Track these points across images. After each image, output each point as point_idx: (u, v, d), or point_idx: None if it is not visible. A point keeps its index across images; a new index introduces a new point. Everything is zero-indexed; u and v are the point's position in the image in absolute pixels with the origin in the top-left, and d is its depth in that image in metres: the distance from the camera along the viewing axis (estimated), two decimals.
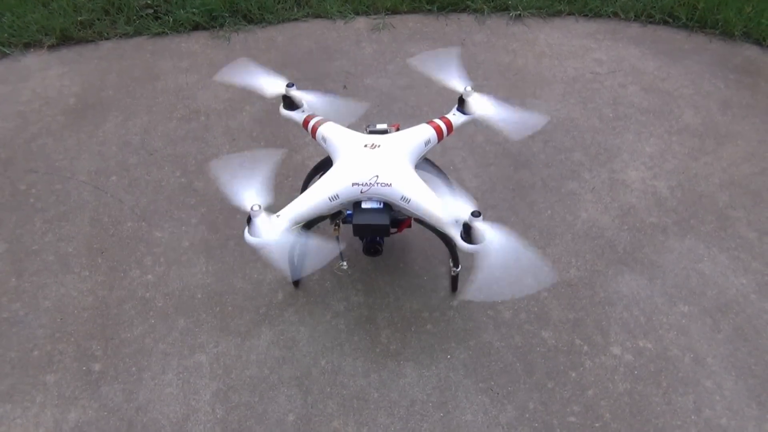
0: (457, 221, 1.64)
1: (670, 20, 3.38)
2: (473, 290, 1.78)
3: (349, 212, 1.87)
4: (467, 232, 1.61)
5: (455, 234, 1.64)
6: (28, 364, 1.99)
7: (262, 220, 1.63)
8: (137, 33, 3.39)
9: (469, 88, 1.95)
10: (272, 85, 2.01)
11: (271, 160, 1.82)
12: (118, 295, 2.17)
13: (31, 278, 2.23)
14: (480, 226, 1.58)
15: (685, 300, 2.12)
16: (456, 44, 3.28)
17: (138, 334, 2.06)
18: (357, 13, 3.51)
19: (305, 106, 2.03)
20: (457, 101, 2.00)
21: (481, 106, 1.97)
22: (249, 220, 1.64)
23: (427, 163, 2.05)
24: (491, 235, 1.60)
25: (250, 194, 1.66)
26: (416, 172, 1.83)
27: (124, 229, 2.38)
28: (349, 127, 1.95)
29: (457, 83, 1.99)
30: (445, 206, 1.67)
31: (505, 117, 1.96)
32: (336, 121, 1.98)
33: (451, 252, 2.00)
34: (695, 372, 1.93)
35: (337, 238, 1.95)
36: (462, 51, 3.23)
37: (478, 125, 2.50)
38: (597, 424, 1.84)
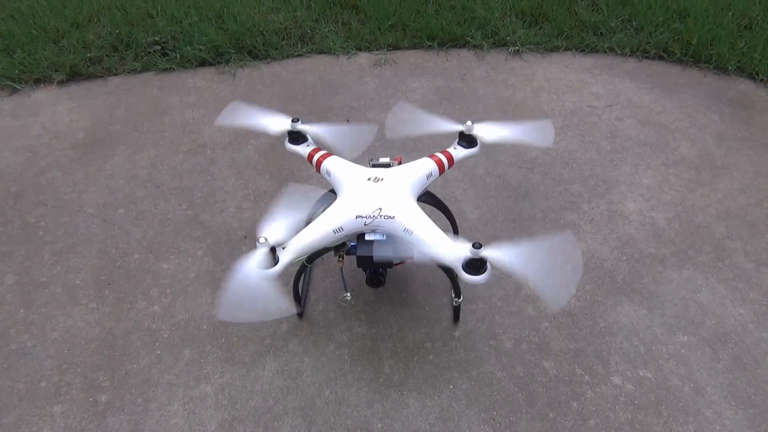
0: (461, 258, 1.68)
1: (665, 55, 3.46)
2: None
3: (352, 244, 1.91)
4: (469, 265, 1.65)
5: (457, 265, 1.67)
6: (36, 395, 2.01)
7: (261, 253, 1.67)
8: (145, 69, 3.48)
9: (469, 123, 2.00)
10: (277, 122, 2.07)
11: (311, 200, 1.87)
12: (125, 327, 2.20)
13: (39, 310, 2.26)
14: (487, 253, 1.62)
15: (684, 330, 2.15)
16: (457, 79, 3.35)
17: (144, 365, 2.08)
18: (359, 49, 3.60)
19: (310, 140, 2.09)
20: (457, 135, 2.05)
21: (488, 132, 2.02)
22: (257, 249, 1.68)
23: (428, 197, 2.09)
24: (498, 253, 1.64)
25: (275, 227, 1.72)
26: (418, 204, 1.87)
27: (131, 261, 2.42)
28: (353, 160, 2.00)
29: (452, 124, 2.06)
30: (447, 249, 1.71)
31: (519, 131, 2.04)
32: (350, 148, 2.04)
33: (452, 283, 2.03)
34: (695, 402, 1.95)
35: (341, 270, 1.99)
36: (462, 85, 3.30)
37: (477, 158, 2.55)
38: None
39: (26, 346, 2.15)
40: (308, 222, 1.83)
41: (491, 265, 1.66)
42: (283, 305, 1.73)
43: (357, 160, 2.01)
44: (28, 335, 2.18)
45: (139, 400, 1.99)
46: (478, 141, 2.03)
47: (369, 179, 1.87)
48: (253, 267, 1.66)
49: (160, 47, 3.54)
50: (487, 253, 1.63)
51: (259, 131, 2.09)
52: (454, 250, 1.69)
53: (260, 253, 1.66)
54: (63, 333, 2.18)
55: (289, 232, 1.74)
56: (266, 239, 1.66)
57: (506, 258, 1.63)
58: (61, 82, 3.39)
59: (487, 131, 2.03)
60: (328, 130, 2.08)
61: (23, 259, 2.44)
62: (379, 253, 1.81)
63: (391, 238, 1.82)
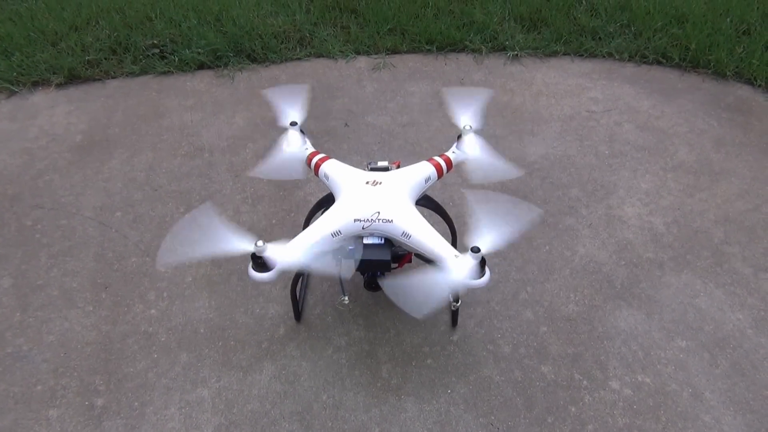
0: (456, 257, 1.67)
1: (664, 60, 3.47)
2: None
3: (351, 248, 1.90)
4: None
5: (468, 279, 1.66)
6: (31, 399, 2.00)
7: (272, 251, 1.67)
8: (143, 72, 3.47)
9: (468, 126, 2.00)
10: (292, 140, 2.07)
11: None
12: (122, 330, 2.19)
13: (35, 313, 2.25)
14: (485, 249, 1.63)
15: (683, 335, 2.14)
16: (455, 83, 3.36)
17: (141, 369, 2.07)
18: (358, 53, 3.60)
19: (308, 143, 2.08)
20: (456, 139, 2.05)
21: (471, 146, 2.02)
22: (253, 257, 1.68)
23: (427, 200, 2.09)
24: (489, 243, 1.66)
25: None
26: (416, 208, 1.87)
27: (128, 264, 2.41)
28: (350, 164, 2.00)
29: (465, 120, 2.05)
30: (445, 245, 1.71)
31: (482, 162, 2.03)
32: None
33: None
34: (694, 407, 1.95)
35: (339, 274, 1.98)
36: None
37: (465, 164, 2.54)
38: None
39: (22, 349, 2.14)
40: (306, 225, 1.83)
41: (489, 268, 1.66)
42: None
43: (355, 164, 2.01)
44: (24, 338, 2.17)
45: (136, 404, 1.98)
46: (464, 147, 2.03)
47: (367, 183, 1.87)
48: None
49: (158, 50, 3.54)
50: (484, 249, 1.63)
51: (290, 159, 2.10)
52: (460, 267, 1.66)
53: (272, 251, 1.69)
54: (59, 336, 2.18)
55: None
56: (263, 243, 1.66)
57: (495, 239, 1.65)
58: (59, 85, 3.38)
59: (471, 145, 2.03)
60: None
61: (20, 262, 2.43)
62: (377, 257, 1.81)
63: (389, 242, 1.82)
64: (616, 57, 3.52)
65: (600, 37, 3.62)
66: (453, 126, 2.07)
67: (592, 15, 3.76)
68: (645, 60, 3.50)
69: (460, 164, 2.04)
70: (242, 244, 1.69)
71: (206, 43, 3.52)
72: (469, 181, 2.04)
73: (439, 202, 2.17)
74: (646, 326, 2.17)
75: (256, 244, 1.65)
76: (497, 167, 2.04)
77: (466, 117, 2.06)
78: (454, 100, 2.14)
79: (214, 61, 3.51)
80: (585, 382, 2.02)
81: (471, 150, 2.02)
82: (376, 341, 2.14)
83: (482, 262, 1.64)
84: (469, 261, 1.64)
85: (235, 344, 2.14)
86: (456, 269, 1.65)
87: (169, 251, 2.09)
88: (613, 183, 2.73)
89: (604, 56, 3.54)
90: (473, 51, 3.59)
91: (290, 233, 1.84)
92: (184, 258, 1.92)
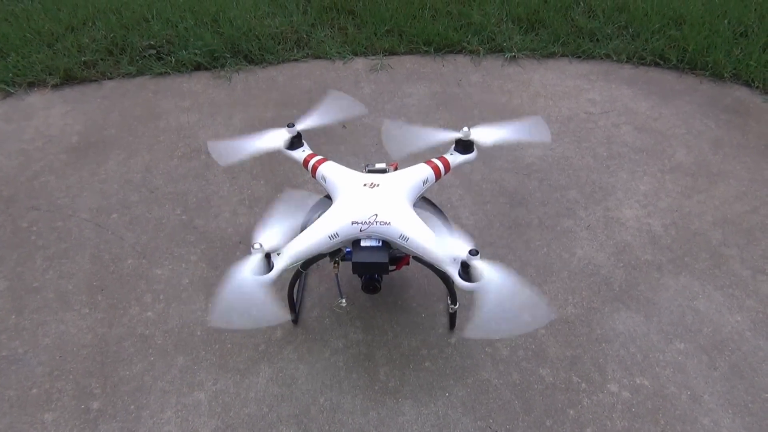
0: (455, 260, 1.67)
1: (661, 62, 3.47)
2: (472, 328, 1.78)
3: (348, 250, 1.89)
4: (465, 271, 1.64)
5: (453, 272, 1.66)
6: (27, 403, 1.98)
7: (256, 260, 1.65)
8: (140, 73, 3.46)
9: (466, 129, 1.99)
10: (272, 137, 2.05)
11: (307, 206, 1.91)
12: (118, 333, 2.18)
13: (31, 316, 2.23)
14: (478, 264, 1.61)
15: (681, 337, 2.14)
16: (453, 84, 3.35)
17: (137, 372, 2.06)
18: (356, 54, 3.59)
19: (305, 145, 2.08)
20: (454, 141, 2.04)
21: (486, 135, 2.02)
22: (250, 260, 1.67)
23: (424, 202, 2.08)
24: (489, 273, 1.62)
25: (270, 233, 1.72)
26: (414, 210, 1.86)
27: (124, 266, 2.40)
28: (348, 166, 1.99)
29: (448, 133, 2.05)
30: (443, 245, 1.70)
31: (514, 131, 2.03)
32: (351, 115, 2.11)
33: (448, 289, 2.02)
34: (692, 410, 1.94)
35: (336, 276, 1.97)
36: (458, 91, 3.30)
37: (474, 164, 2.54)
38: None
39: (17, 352, 2.13)
40: (303, 228, 1.82)
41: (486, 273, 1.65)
42: (277, 312, 1.70)
43: (353, 166, 2.00)
44: (20, 341, 2.16)
45: (132, 407, 1.97)
46: (475, 146, 2.02)
47: (365, 185, 1.86)
48: (247, 273, 1.64)
49: (155, 51, 3.53)
50: (479, 264, 1.62)
51: (261, 153, 2.06)
52: (450, 248, 1.67)
53: (255, 259, 1.65)
54: (55, 339, 2.16)
55: (285, 238, 1.73)
56: (261, 245, 1.65)
57: (495, 280, 1.62)
58: (55, 86, 3.37)
59: (484, 135, 2.02)
60: (320, 116, 2.12)
61: (15, 264, 2.41)
62: (375, 260, 1.80)
63: (386, 244, 1.81)
64: (614, 58, 3.51)
65: (598, 39, 3.61)
66: (451, 128, 2.06)
67: (589, 16, 3.76)
68: (643, 61, 3.49)
69: (460, 165, 2.04)
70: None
71: (203, 44, 3.51)
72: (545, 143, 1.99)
73: (437, 204, 2.16)
74: (644, 329, 2.17)
75: (253, 246, 1.64)
76: (527, 126, 2.07)
77: (443, 133, 2.07)
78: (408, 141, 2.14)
79: (211, 62, 3.50)
80: (583, 385, 2.01)
81: (486, 138, 2.02)
82: (373, 344, 2.13)
83: (467, 267, 1.64)
84: (461, 249, 1.64)
85: (231, 347, 2.13)
86: (447, 248, 1.67)
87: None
88: (611, 185, 2.73)
89: (601, 58, 3.53)
90: (471, 52, 3.59)
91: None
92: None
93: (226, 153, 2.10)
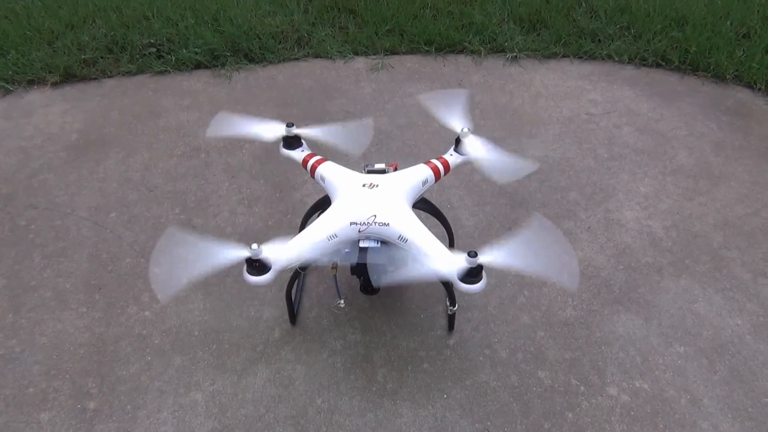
0: (458, 270, 1.65)
1: (663, 63, 3.45)
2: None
3: (347, 251, 1.88)
4: (467, 274, 1.63)
5: (455, 279, 1.65)
6: (23, 402, 1.98)
7: (268, 253, 1.65)
8: (140, 71, 3.45)
9: (465, 129, 1.98)
10: (270, 128, 2.04)
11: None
12: (115, 332, 2.17)
13: (28, 314, 2.23)
14: (483, 260, 1.61)
15: (681, 340, 2.13)
16: (454, 85, 3.34)
17: (134, 372, 2.05)
18: (356, 54, 3.58)
19: (304, 145, 2.06)
20: (454, 142, 2.03)
21: (475, 147, 2.00)
22: (248, 261, 1.66)
23: (424, 203, 2.07)
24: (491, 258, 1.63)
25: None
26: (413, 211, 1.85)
27: (122, 265, 2.39)
28: (347, 166, 1.98)
29: (457, 124, 2.02)
30: (443, 262, 1.68)
31: (494, 160, 2.00)
32: (354, 145, 2.05)
33: (447, 291, 2.01)
34: (692, 414, 1.93)
35: (335, 277, 1.97)
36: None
37: (474, 165, 2.53)
38: None
39: (14, 351, 2.12)
40: (302, 228, 1.81)
41: (486, 273, 1.64)
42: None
43: (352, 166, 1.99)
44: (16, 340, 2.15)
45: (128, 407, 1.96)
46: (467, 151, 2.01)
47: (364, 185, 1.85)
48: (245, 274, 1.65)
49: (155, 49, 3.52)
50: (483, 259, 1.61)
51: (253, 139, 2.05)
52: (450, 263, 1.66)
53: (268, 252, 1.68)
54: (52, 338, 2.15)
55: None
56: (258, 246, 1.64)
57: (502, 260, 1.61)
58: (54, 84, 3.36)
59: (474, 146, 2.00)
60: (324, 131, 2.06)
61: (12, 262, 2.40)
62: (374, 261, 1.79)
63: (385, 245, 1.80)
64: (616, 59, 3.50)
65: (599, 39, 3.60)
66: (451, 128, 2.05)
67: (591, 17, 3.75)
68: (645, 62, 3.48)
69: (460, 165, 2.03)
70: (237, 252, 1.67)
71: (203, 43, 3.50)
72: (496, 183, 2.02)
73: (437, 205, 2.15)
74: (644, 331, 2.16)
75: (251, 248, 1.63)
76: (512, 165, 2.03)
77: (456, 120, 2.03)
78: (435, 104, 2.12)
79: (211, 60, 3.49)
80: (582, 388, 2.00)
81: (475, 151, 2.00)
82: (371, 345, 2.12)
83: (479, 269, 1.63)
84: (459, 260, 1.62)
85: (229, 347, 2.12)
86: (447, 263, 1.66)
87: (164, 282, 2.04)
88: (612, 186, 2.72)
89: (603, 58, 3.52)
90: (472, 52, 3.58)
91: (286, 235, 1.82)
92: (184, 283, 1.86)
93: (221, 126, 2.11)
